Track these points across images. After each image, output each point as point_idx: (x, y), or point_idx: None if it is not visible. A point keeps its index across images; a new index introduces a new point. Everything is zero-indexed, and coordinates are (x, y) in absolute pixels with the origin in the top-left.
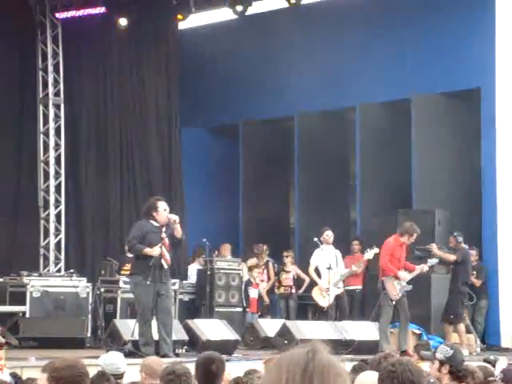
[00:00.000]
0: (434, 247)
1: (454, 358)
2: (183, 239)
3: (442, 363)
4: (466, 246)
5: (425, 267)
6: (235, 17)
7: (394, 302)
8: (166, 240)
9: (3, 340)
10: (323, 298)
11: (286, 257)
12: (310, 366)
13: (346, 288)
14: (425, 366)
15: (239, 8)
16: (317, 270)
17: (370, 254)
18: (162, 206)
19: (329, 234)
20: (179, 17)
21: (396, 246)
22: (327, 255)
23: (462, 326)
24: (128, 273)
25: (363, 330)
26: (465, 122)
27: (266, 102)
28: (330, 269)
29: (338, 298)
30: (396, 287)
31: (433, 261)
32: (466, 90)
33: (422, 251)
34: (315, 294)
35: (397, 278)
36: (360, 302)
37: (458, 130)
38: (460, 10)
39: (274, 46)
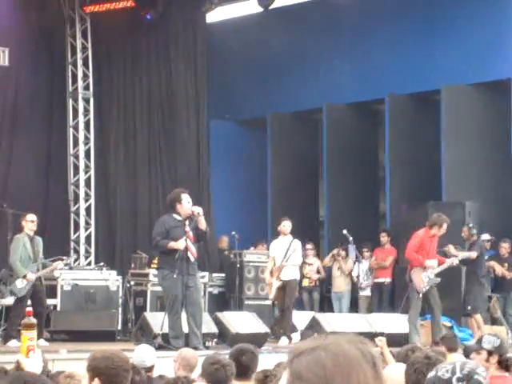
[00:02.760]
0: (450, 249)
1: (502, 347)
2: (208, 232)
3: (490, 353)
4: (480, 237)
5: (455, 260)
6: (263, 9)
7: (420, 295)
8: (190, 233)
9: (34, 321)
10: (269, 290)
11: (307, 250)
12: (372, 358)
13: (375, 281)
14: (454, 357)
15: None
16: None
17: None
18: (186, 198)
19: (282, 224)
20: (205, 8)
21: (425, 237)
22: (282, 245)
23: (478, 317)
24: (156, 266)
25: (393, 323)
26: (495, 113)
27: (294, 94)
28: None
29: (286, 285)
30: (424, 279)
31: (464, 254)
32: (496, 80)
33: (439, 254)
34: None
35: (424, 268)
36: (389, 294)
37: (487, 120)
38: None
39: (301, 38)
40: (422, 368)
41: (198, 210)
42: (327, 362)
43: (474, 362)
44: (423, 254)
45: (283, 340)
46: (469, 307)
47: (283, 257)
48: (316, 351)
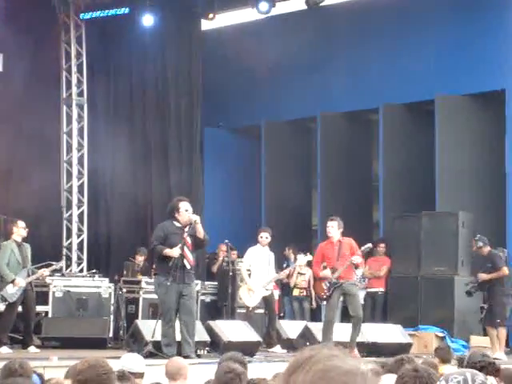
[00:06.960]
0: (482, 276)
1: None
2: (208, 240)
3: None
4: (494, 250)
5: (353, 260)
6: (258, 18)
7: (325, 302)
8: (189, 240)
9: None
10: (250, 297)
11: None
12: (364, 374)
13: (368, 290)
14: (446, 369)
15: (264, 7)
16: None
17: (303, 259)
18: (184, 206)
19: (264, 236)
20: (210, 16)
21: (324, 247)
22: (261, 256)
23: (504, 331)
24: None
25: (386, 333)
26: (489, 124)
27: (289, 102)
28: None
29: (265, 299)
30: (323, 286)
31: (366, 247)
32: (491, 91)
33: (474, 288)
34: (242, 292)
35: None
36: (382, 304)
37: (481, 131)
38: (485, 11)
39: (296, 47)
40: (411, 381)
41: (196, 217)
42: (324, 380)
43: (482, 374)
44: (327, 261)
45: (277, 348)
46: (498, 320)
47: (267, 268)
48: (312, 368)
